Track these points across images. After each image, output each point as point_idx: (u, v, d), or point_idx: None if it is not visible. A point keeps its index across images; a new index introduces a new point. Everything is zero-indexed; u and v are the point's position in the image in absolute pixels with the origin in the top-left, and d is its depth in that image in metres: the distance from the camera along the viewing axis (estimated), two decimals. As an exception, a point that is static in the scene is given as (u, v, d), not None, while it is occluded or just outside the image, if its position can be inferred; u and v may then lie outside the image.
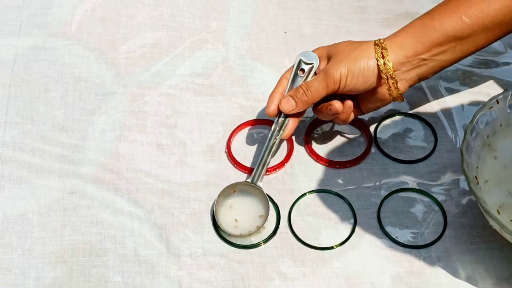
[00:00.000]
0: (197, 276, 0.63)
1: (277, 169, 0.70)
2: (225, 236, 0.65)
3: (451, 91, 0.77)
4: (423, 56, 0.65)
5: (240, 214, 0.66)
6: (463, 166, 0.61)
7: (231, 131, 0.73)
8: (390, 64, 0.65)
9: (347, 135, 0.73)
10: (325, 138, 0.73)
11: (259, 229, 0.65)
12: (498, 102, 0.65)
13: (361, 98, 0.69)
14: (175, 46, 0.81)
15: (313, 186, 0.69)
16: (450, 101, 0.76)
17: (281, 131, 0.68)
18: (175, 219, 0.67)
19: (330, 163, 0.71)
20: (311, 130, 0.73)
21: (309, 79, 0.68)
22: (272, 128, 0.68)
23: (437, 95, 0.76)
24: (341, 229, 0.66)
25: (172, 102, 0.76)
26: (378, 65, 0.65)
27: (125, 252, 0.65)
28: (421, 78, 0.67)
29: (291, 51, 0.81)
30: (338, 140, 0.73)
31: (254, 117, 0.74)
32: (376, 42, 0.66)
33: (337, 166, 0.70)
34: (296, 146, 0.72)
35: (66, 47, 0.81)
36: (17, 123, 0.74)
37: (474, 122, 0.63)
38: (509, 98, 0.65)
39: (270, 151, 0.67)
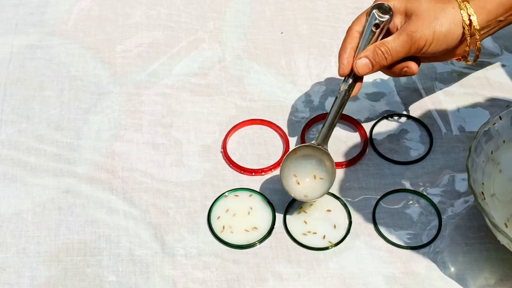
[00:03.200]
0: (192, 276, 0.63)
1: (272, 169, 0.70)
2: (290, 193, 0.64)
3: (447, 93, 0.77)
4: (501, 18, 0.65)
5: (303, 177, 0.65)
6: (469, 182, 0.61)
7: (227, 131, 0.73)
8: (478, 36, 0.64)
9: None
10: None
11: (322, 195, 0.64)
12: (501, 118, 0.65)
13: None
14: (172, 46, 0.81)
15: (309, 187, 0.69)
16: (446, 102, 0.76)
17: (350, 91, 0.65)
18: (170, 219, 0.67)
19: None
20: (307, 130, 0.73)
21: (381, 35, 0.64)
22: (341, 88, 0.65)
23: (433, 97, 0.76)
24: (336, 229, 0.66)
25: (168, 101, 0.76)
26: (464, 33, 0.64)
27: (120, 251, 0.65)
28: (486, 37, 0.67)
29: (287, 51, 0.81)
30: (334, 141, 0.73)
31: (250, 117, 0.74)
32: (462, 6, 0.63)
33: (333, 167, 0.70)
34: (292, 146, 0.72)
35: (62, 46, 0.81)
36: (12, 121, 0.74)
37: (478, 138, 0.63)
38: (511, 114, 0.65)
39: (339, 111, 0.65)
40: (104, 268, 0.64)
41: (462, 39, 0.65)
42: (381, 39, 0.65)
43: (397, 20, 0.65)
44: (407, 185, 0.69)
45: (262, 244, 0.65)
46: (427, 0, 0.64)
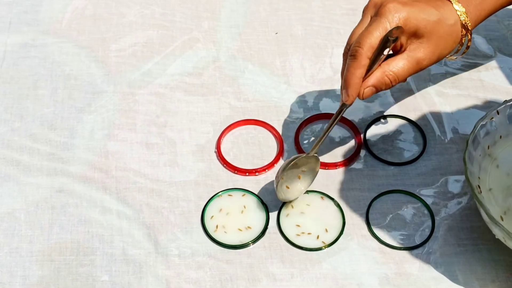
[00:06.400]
0: (185, 276, 0.63)
1: (266, 170, 0.70)
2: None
3: (440, 94, 0.77)
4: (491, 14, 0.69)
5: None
6: (467, 175, 0.61)
7: (221, 131, 0.73)
8: (470, 37, 0.67)
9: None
10: (315, 139, 0.73)
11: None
12: (498, 113, 0.65)
13: None
14: (166, 45, 0.81)
15: (303, 187, 0.69)
16: (440, 104, 0.76)
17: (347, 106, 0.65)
18: (164, 219, 0.67)
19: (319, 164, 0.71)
20: (301, 131, 0.73)
21: (385, 52, 0.63)
22: (341, 107, 0.65)
23: (427, 98, 0.77)
24: (329, 230, 0.66)
25: (162, 101, 0.76)
26: (460, 46, 0.67)
27: (113, 251, 0.64)
28: None
29: (282, 51, 0.81)
30: (328, 141, 0.73)
31: (244, 117, 0.74)
32: (464, 24, 0.66)
33: (327, 167, 0.70)
34: (286, 146, 0.72)
35: (56, 45, 0.80)
36: (5, 120, 0.74)
37: (476, 132, 0.64)
38: (508, 110, 0.66)
39: (334, 123, 0.65)
40: (97, 268, 0.63)
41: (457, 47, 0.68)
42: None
43: (403, 39, 0.65)
44: (401, 186, 0.69)
45: (256, 244, 0.65)
46: (436, 20, 0.64)
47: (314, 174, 0.67)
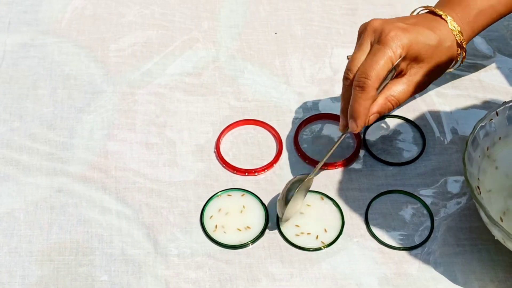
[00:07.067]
0: (185, 276, 0.63)
1: (265, 170, 0.70)
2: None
3: (440, 95, 0.77)
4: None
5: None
6: (466, 176, 0.61)
7: (220, 131, 0.73)
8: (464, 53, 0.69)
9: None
10: (314, 139, 0.73)
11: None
12: (497, 114, 0.66)
13: None
14: (166, 45, 0.81)
15: (302, 187, 0.69)
16: (439, 104, 0.76)
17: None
18: (163, 219, 0.67)
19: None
20: (300, 131, 0.74)
21: (389, 77, 0.65)
22: (343, 135, 0.67)
23: (426, 98, 0.77)
24: (329, 230, 0.66)
25: (162, 101, 0.76)
26: (455, 62, 0.70)
27: (112, 251, 0.64)
28: None
29: (281, 52, 0.81)
30: (327, 141, 0.73)
31: (243, 117, 0.74)
32: (459, 43, 0.67)
33: (326, 168, 0.70)
34: (285, 147, 0.72)
35: (56, 45, 0.80)
36: (5, 120, 0.74)
37: (475, 133, 0.64)
38: (507, 111, 0.66)
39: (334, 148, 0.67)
40: (97, 268, 0.63)
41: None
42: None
43: (403, 64, 0.66)
44: (400, 186, 0.69)
45: (255, 244, 0.65)
46: (435, 45, 0.66)
47: (307, 191, 0.67)
